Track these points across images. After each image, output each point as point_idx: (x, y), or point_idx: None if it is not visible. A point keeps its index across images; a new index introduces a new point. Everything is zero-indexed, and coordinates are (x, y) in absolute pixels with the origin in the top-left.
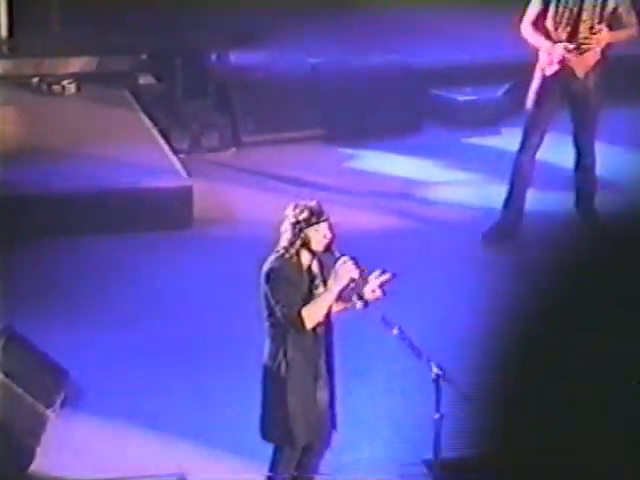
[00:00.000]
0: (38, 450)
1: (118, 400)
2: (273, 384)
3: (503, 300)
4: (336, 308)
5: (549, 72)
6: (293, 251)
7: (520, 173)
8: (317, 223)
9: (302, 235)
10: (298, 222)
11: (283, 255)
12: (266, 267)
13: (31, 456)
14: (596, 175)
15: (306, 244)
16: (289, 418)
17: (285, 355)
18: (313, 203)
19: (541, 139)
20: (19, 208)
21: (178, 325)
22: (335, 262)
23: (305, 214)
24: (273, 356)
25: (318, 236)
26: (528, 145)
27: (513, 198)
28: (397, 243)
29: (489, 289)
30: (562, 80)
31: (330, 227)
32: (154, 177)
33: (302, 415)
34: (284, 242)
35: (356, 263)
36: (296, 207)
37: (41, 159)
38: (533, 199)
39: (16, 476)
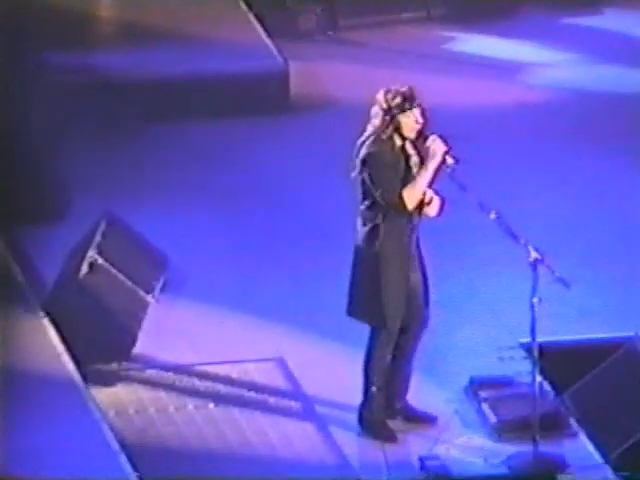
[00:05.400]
0: (139, 334)
1: (217, 285)
2: (367, 265)
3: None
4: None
5: None
6: (385, 136)
7: None
8: (410, 109)
9: (394, 121)
10: (390, 108)
11: (377, 140)
12: (363, 153)
13: (133, 340)
14: None
15: (398, 130)
16: (381, 299)
17: (379, 237)
18: (406, 88)
19: None
20: (116, 93)
21: (275, 210)
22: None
23: (398, 100)
24: (368, 238)
25: (410, 122)
26: None
27: None
28: (495, 125)
29: (587, 169)
30: None
31: (423, 113)
32: (250, 61)
33: (394, 296)
34: (375, 127)
35: (449, 147)
36: (388, 92)
37: (138, 43)
38: None
39: (119, 359)
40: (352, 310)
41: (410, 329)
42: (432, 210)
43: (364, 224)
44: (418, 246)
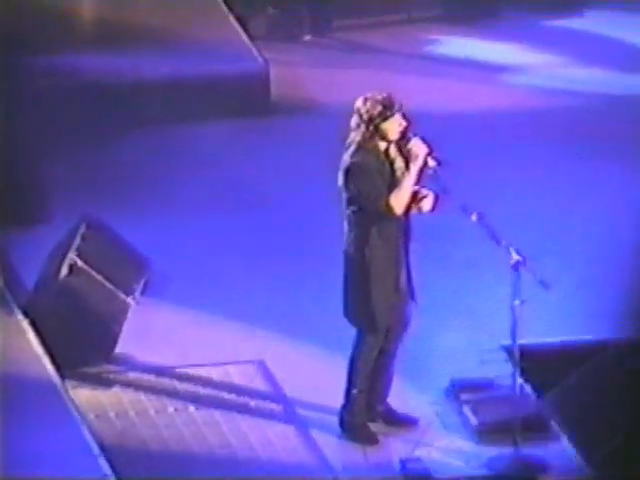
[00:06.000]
0: (120, 337)
1: (198, 287)
2: (356, 270)
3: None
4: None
5: None
6: (370, 146)
7: None
8: (392, 115)
9: (378, 130)
10: (372, 118)
11: (360, 149)
12: (347, 162)
13: (113, 342)
14: None
15: (383, 137)
16: (372, 304)
17: (368, 242)
18: (385, 95)
19: None
20: (97, 96)
21: (257, 212)
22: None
23: (378, 108)
24: (356, 243)
25: (393, 127)
26: None
27: None
28: (477, 128)
29: (569, 172)
30: None
31: (404, 116)
32: (231, 63)
33: (384, 301)
34: (359, 137)
35: (431, 149)
36: (366, 101)
37: (119, 46)
38: None
39: (99, 362)
40: (346, 314)
41: (392, 331)
42: (426, 205)
43: (350, 229)
44: (407, 246)
